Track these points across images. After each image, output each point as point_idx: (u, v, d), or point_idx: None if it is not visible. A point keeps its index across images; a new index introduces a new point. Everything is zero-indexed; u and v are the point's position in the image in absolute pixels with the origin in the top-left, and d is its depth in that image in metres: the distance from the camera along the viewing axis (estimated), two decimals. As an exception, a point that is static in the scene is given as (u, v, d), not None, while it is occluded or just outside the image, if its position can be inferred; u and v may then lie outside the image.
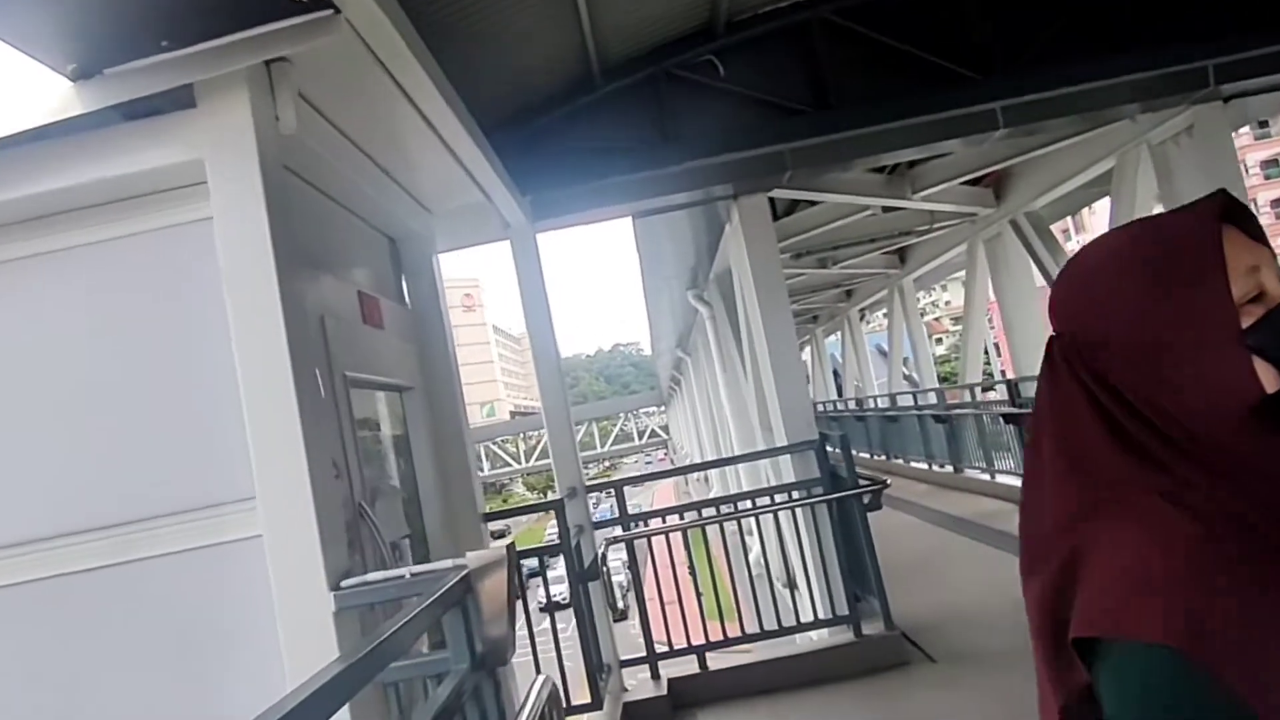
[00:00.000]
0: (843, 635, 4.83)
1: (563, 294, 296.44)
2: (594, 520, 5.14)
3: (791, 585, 5.28)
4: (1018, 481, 9.20)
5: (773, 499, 4.91)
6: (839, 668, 4.66)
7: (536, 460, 61.07)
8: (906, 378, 15.72)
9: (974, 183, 8.54)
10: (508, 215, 4.89)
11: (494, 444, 60.81)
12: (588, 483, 5.20)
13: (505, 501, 79.96)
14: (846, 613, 4.79)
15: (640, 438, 59.73)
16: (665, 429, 56.58)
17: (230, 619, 2.40)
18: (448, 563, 2.32)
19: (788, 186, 5.83)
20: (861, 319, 18.02)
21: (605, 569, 4.33)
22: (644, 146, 5.07)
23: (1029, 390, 8.60)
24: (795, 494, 4.96)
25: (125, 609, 2.42)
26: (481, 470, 52.48)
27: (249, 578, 2.36)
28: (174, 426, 2.48)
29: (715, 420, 12.92)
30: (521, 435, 63.06)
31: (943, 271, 14.07)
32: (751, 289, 5.49)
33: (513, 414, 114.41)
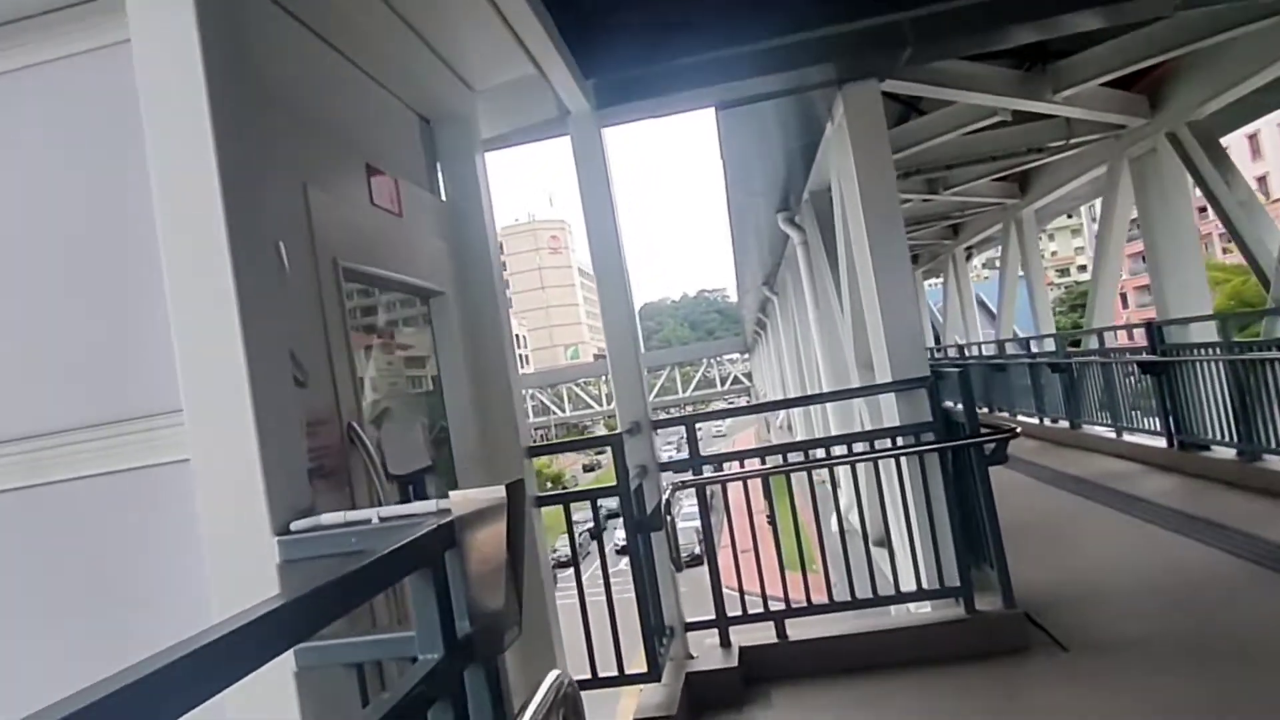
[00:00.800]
0: (951, 610, 4.05)
1: (648, 237, 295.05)
2: (663, 463, 4.46)
3: (889, 546, 4.49)
4: (1149, 440, 8.10)
5: (872, 445, 4.11)
6: (946, 648, 3.90)
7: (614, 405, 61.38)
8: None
9: (1126, 85, 7.21)
10: (567, 100, 4.14)
11: (576, 386, 61.36)
12: (657, 419, 4.50)
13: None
14: (958, 584, 3.99)
15: (723, 384, 58.90)
16: (748, 375, 55.54)
17: (154, 561, 1.83)
18: (430, 505, 1.67)
19: (904, 76, 4.85)
20: (968, 259, 16.47)
21: (670, 517, 3.64)
22: (727, 19, 4.19)
23: (1176, 337, 7.39)
24: (900, 440, 4.15)
25: (28, 541, 1.87)
26: (563, 411, 53.21)
27: (178, 512, 1.78)
28: (87, 315, 1.89)
29: (803, 362, 12.00)
30: (604, 378, 63.37)
31: (1068, 202, 12.50)
32: (856, 200, 4.60)
33: (596, 356, 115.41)
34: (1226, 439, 6.65)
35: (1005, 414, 11.77)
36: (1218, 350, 6.73)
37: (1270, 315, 6.41)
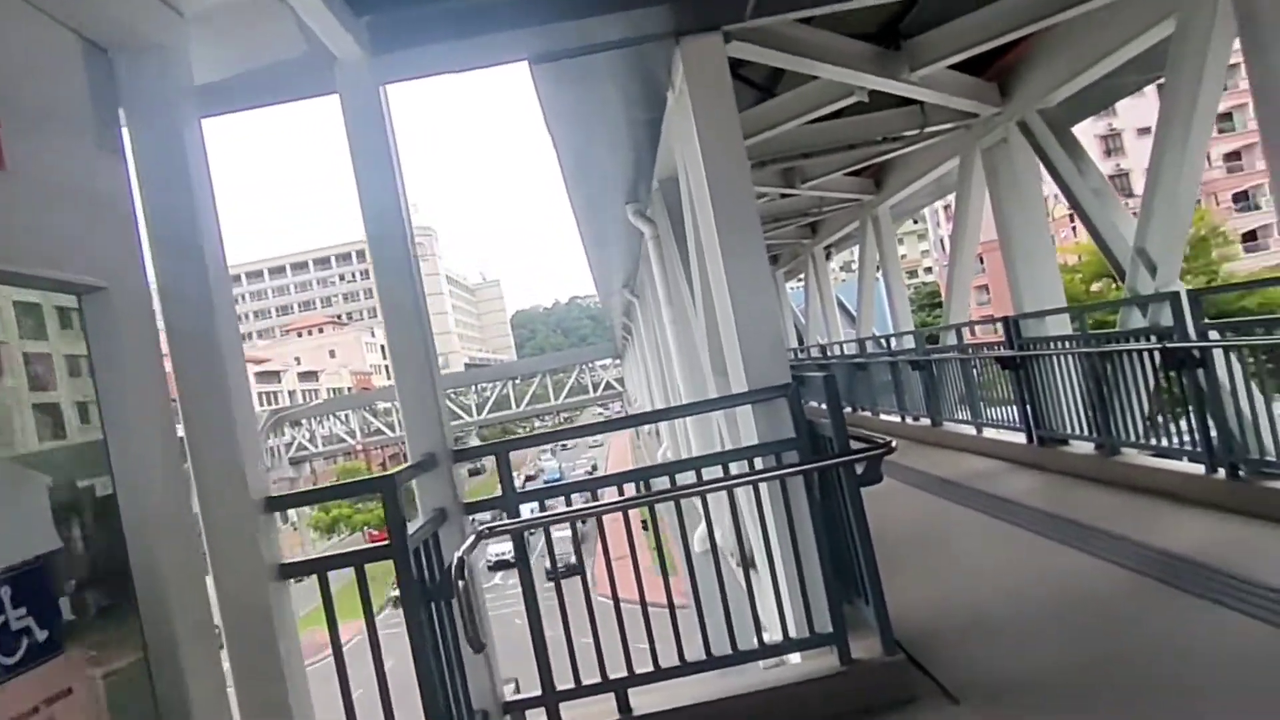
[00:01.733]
0: (826, 660, 3.39)
1: (519, 245, 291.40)
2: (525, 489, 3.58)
3: (749, 591, 3.80)
4: (1010, 436, 7.97)
5: (726, 470, 3.39)
6: (822, 708, 3.24)
7: (489, 414, 59.61)
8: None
9: (978, 72, 6.99)
10: (330, 42, 3.18)
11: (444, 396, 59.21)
12: (461, 448, 3.62)
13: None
14: (830, 629, 3.33)
15: (595, 390, 58.31)
16: (620, 381, 55.18)
17: None
18: None
19: (756, 39, 4.18)
20: (828, 258, 16.47)
21: (464, 583, 2.75)
22: (540, -52, 3.37)
23: (1034, 331, 7.21)
24: (759, 462, 3.46)
25: None
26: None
27: None
28: None
29: (664, 370, 11.39)
30: (474, 387, 61.37)
31: (923, 197, 12.57)
32: (702, 179, 3.90)
33: (468, 366, 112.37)
34: (1085, 433, 6.48)
35: (868, 413, 11.62)
36: (1073, 343, 6.56)
37: (1125, 306, 6.27)
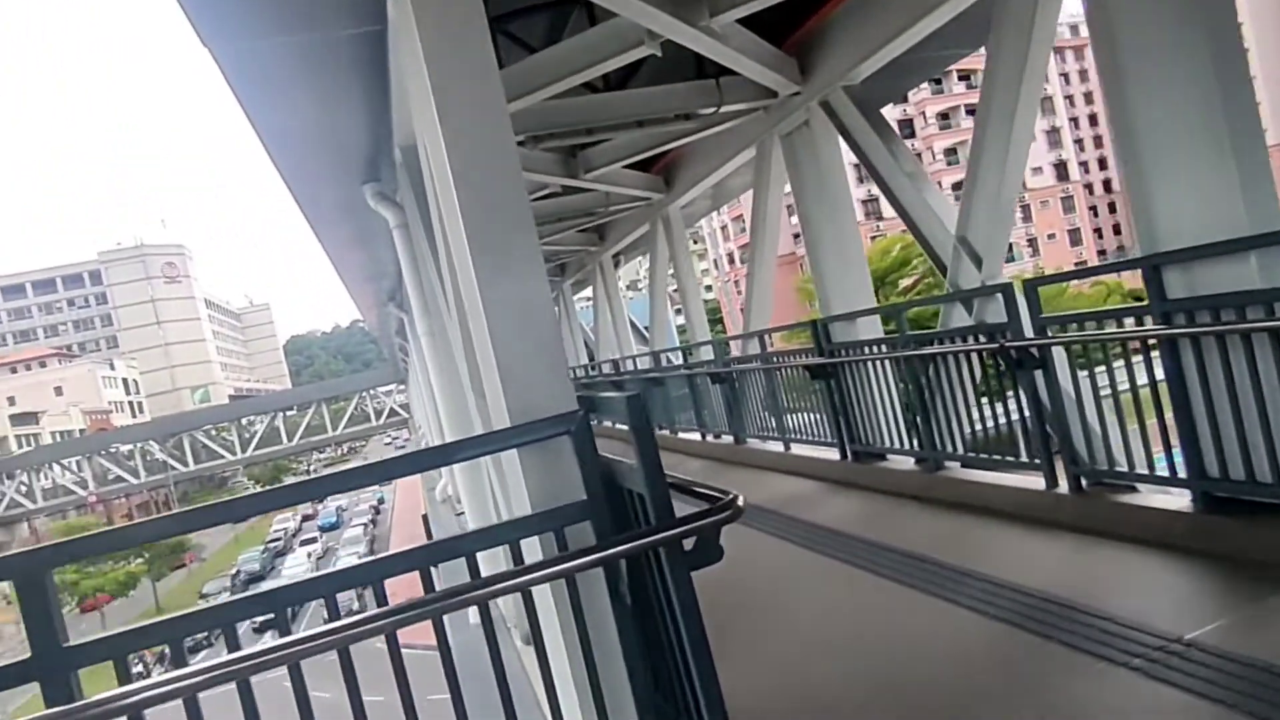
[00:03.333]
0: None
1: (292, 267, 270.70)
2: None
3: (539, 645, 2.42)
4: (822, 453, 7.28)
5: (473, 568, 2.03)
6: None
7: (256, 450, 53.36)
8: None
9: (776, 41, 6.15)
10: None
11: (203, 434, 52.22)
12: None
13: (234, 494, 69.48)
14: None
15: (378, 417, 54.20)
16: (406, 407, 51.69)
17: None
18: None
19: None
20: (616, 266, 15.45)
21: None
22: None
23: (848, 334, 6.49)
24: (531, 545, 2.13)
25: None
26: (187, 465, 44.79)
27: None
28: None
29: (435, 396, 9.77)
30: (236, 422, 54.76)
31: (717, 197, 11.86)
32: (438, 140, 2.53)
33: (232, 397, 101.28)
34: (906, 447, 5.81)
35: (665, 431, 10.68)
36: (889, 347, 5.87)
37: (948, 302, 5.65)
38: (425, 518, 32.22)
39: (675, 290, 12.52)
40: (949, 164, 59.27)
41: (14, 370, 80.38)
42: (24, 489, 49.55)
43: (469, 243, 2.47)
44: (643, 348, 14.89)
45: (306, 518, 60.39)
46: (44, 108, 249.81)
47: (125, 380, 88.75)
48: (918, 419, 5.66)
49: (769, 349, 8.11)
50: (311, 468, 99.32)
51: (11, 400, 68.87)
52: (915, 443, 5.75)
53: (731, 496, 2.08)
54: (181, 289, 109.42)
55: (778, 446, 7.66)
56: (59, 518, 49.48)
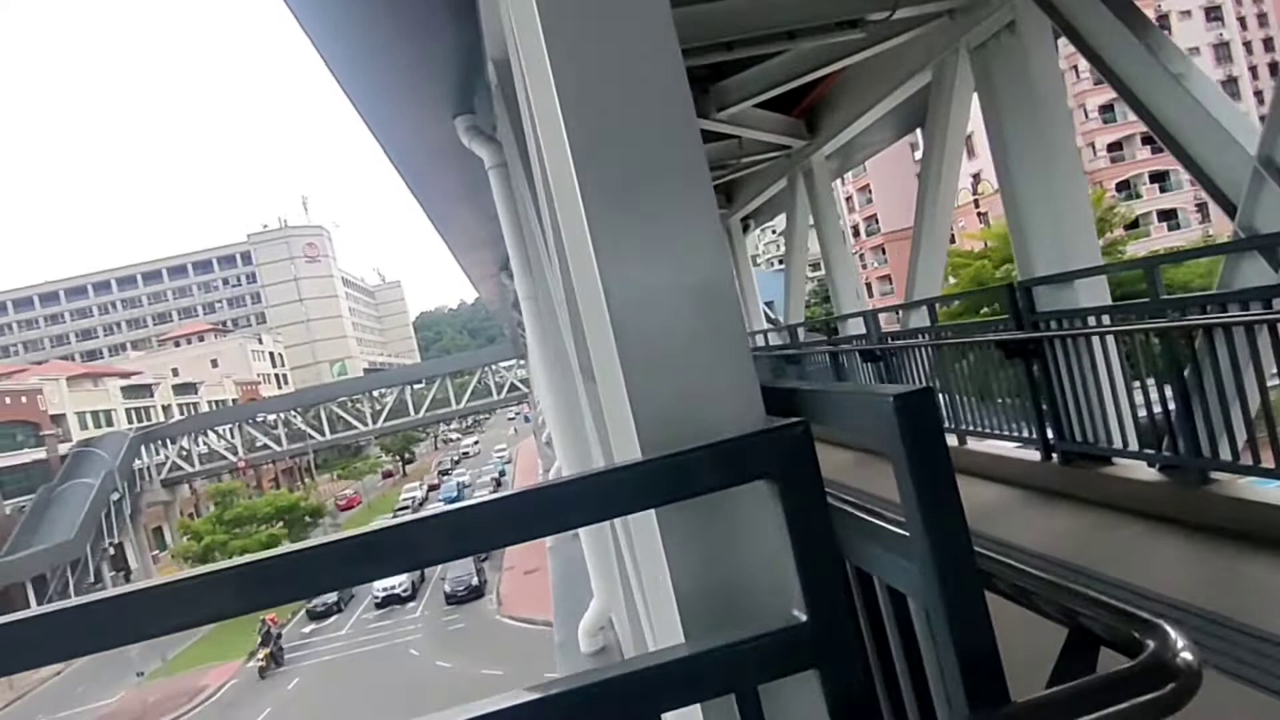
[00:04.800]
0: None
1: (422, 245, 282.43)
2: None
3: None
4: (1016, 452, 5.89)
5: None
6: None
7: (386, 421, 55.42)
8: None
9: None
10: None
11: (337, 405, 54.74)
12: None
13: (367, 462, 74.06)
14: None
15: (499, 392, 55.11)
16: (526, 382, 52.23)
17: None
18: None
19: None
20: (746, 230, 13.93)
21: None
22: None
23: (1059, 300, 5.03)
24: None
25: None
26: (324, 435, 47.11)
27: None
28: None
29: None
30: (369, 395, 57.03)
31: (871, 138, 10.20)
32: (532, 19, 1.38)
33: (366, 371, 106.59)
34: (1147, 449, 4.44)
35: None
36: (1129, 316, 4.42)
37: (1232, 252, 4.14)
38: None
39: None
40: (1104, 122, 53.60)
41: (177, 344, 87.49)
42: (184, 453, 53.51)
43: (578, 178, 1.33)
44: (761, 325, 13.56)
45: (432, 487, 62.56)
46: (195, 100, 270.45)
47: (272, 354, 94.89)
48: (1169, 414, 4.22)
49: (937, 322, 6.67)
50: (439, 438, 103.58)
51: (175, 371, 74.79)
52: (1164, 444, 4.32)
53: (1165, 643, 0.87)
54: (321, 268, 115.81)
55: (950, 440, 6.29)
56: (214, 480, 53.12)
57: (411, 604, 32.75)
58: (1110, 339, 4.45)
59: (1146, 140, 48.77)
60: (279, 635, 27.83)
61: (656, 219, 1.31)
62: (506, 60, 3.60)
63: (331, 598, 32.68)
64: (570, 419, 4.28)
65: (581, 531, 5.29)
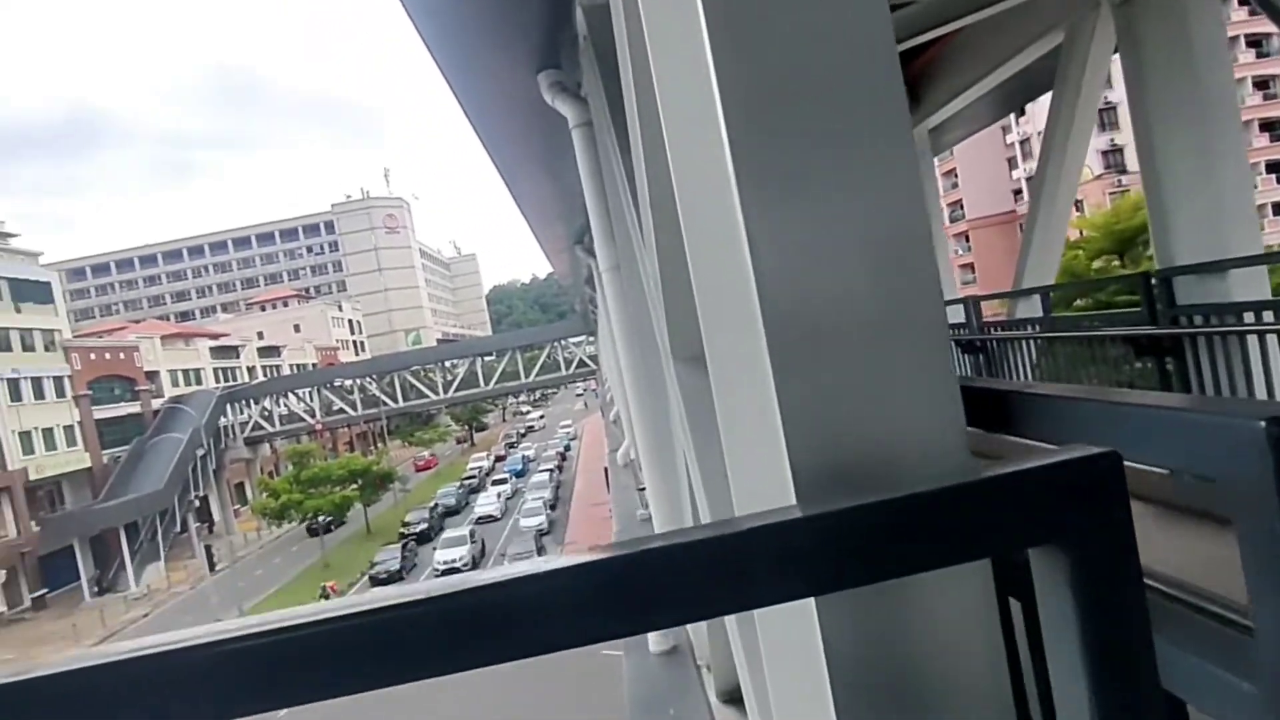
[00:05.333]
0: None
1: (503, 218, 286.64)
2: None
3: None
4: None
5: None
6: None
7: (457, 391, 56.39)
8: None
9: None
10: None
11: (410, 374, 55.91)
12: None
13: (437, 430, 75.75)
14: None
15: (567, 367, 55.40)
16: (594, 359, 52.31)
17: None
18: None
19: None
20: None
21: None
22: None
23: (1208, 292, 4.42)
24: None
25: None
26: (397, 402, 48.37)
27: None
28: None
29: (617, 351, 8.51)
30: (441, 365, 58.10)
31: (938, 143, 8.81)
32: None
33: (440, 342, 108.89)
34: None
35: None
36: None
37: None
38: (607, 471, 32.20)
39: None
40: (1265, 98, 47.77)
41: (263, 308, 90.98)
42: (266, 414, 55.62)
43: (725, 107, 0.96)
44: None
45: (499, 458, 63.59)
46: (287, 69, 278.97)
47: (351, 321, 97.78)
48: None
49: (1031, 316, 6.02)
50: (507, 410, 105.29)
51: (260, 335, 77.78)
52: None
53: None
54: (400, 239, 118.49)
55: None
56: (293, 441, 55.05)
57: (500, 523, 36.41)
58: (1275, 340, 3.85)
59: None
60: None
61: (833, 151, 0.93)
62: (602, 5, 3.23)
63: (395, 565, 33.60)
64: (650, 404, 3.93)
65: (653, 506, 4.96)
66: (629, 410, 8.32)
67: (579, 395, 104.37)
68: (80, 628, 33.73)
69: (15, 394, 40.49)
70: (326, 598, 27.81)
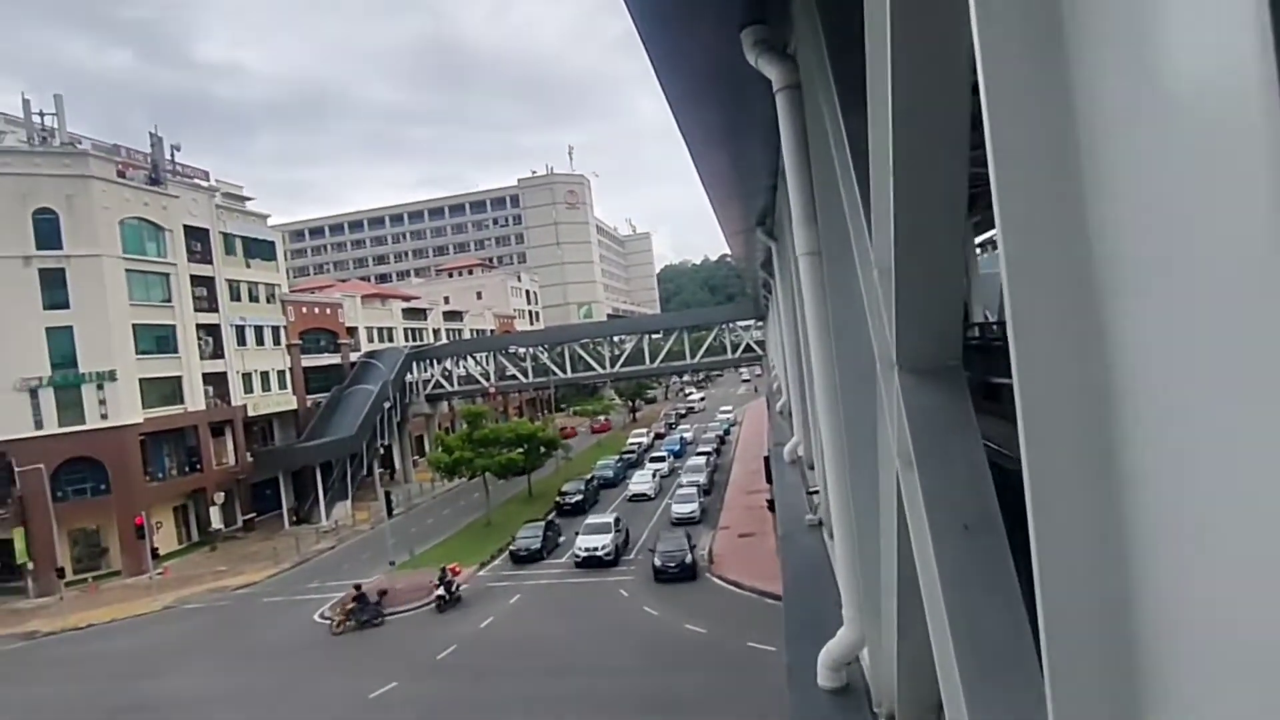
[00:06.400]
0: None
1: (680, 200, 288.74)
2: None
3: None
4: None
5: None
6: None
7: (622, 367, 57.36)
8: None
9: None
10: None
11: (579, 346, 57.48)
12: None
13: (600, 403, 77.59)
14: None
15: (734, 351, 54.70)
16: (762, 344, 51.30)
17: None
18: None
19: None
20: None
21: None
22: None
23: None
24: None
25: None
26: (565, 373, 49.84)
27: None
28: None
29: (799, 337, 7.89)
30: (609, 339, 59.31)
31: None
32: None
33: (610, 317, 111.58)
34: None
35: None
36: None
37: None
38: (767, 461, 31.11)
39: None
40: None
41: (450, 275, 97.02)
42: (446, 374, 59.29)
43: None
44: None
45: (658, 435, 64.17)
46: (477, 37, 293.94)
47: (528, 291, 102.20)
48: None
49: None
50: (669, 389, 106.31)
51: (446, 299, 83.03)
52: None
53: None
54: (578, 215, 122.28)
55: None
56: (468, 402, 58.36)
57: (612, 569, 30.90)
58: None
59: None
60: (456, 586, 28.05)
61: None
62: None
63: (536, 544, 32.46)
64: (848, 412, 3.40)
65: (835, 519, 4.41)
66: (808, 409, 7.71)
67: (745, 381, 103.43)
68: (279, 550, 37.60)
69: (241, 339, 45.68)
70: (445, 578, 27.62)
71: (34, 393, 35.68)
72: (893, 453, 2.40)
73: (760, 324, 51.85)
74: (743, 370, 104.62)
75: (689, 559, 28.37)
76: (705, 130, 5.43)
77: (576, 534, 32.72)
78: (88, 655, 26.36)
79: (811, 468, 9.30)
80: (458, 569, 28.88)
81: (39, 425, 35.65)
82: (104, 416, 36.81)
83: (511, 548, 33.13)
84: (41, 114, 40.55)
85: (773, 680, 17.74)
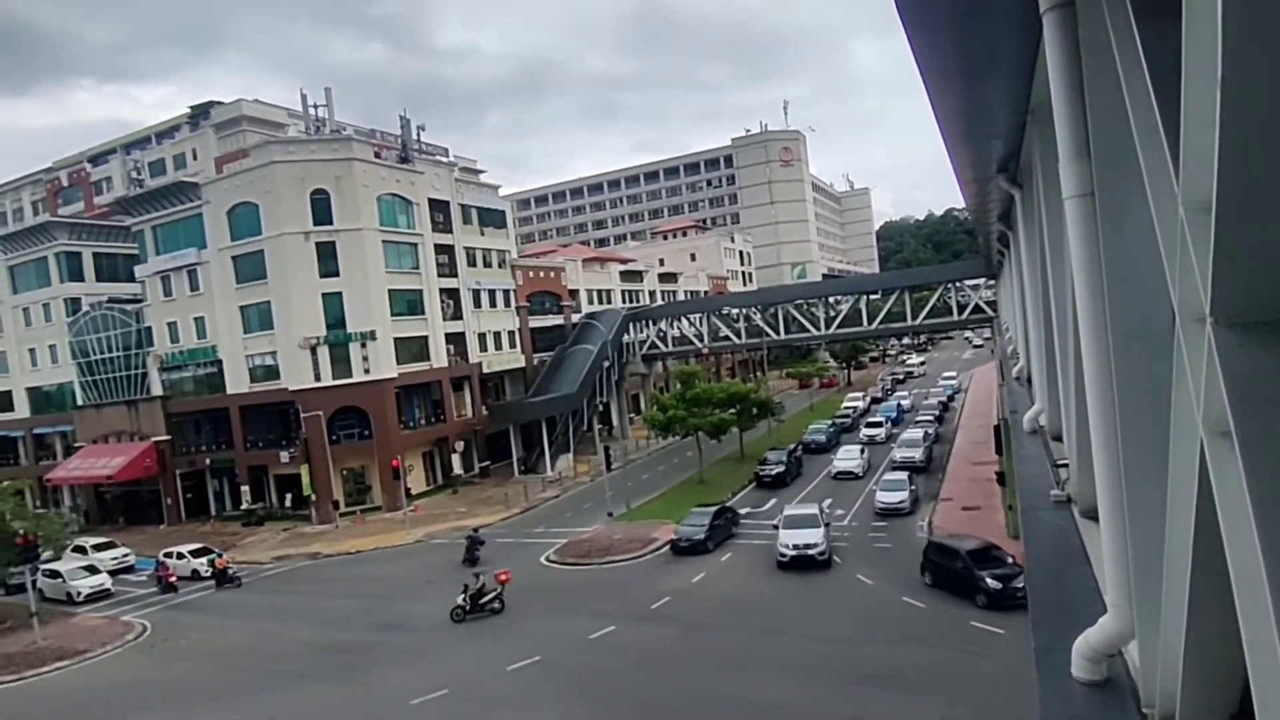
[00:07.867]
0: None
1: (902, 153, 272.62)
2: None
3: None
4: None
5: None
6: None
7: (838, 329, 55.54)
8: None
9: None
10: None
11: (793, 307, 56.41)
12: None
13: (814, 365, 75.93)
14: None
15: (960, 312, 50.89)
16: (993, 304, 47.31)
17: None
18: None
19: None
20: None
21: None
22: None
23: None
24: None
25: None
26: (778, 335, 49.08)
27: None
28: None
29: (1052, 294, 7.02)
30: (824, 300, 57.57)
31: None
32: None
33: (825, 276, 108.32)
34: None
35: None
36: None
37: None
38: (998, 430, 28.75)
39: None
40: None
41: (665, 238, 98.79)
42: (661, 335, 60.84)
43: None
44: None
45: (875, 400, 61.59)
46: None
47: (741, 252, 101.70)
48: None
49: None
50: (887, 352, 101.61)
51: (661, 261, 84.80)
52: None
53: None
54: (793, 172, 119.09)
55: None
56: (681, 362, 59.53)
57: (861, 482, 36.39)
58: None
59: None
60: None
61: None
62: None
63: (700, 534, 28.47)
64: (1127, 371, 2.95)
65: (1103, 507, 3.92)
66: (1059, 373, 6.95)
67: (976, 347, 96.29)
68: (509, 496, 40.99)
69: (477, 302, 49.87)
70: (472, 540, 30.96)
71: (313, 350, 41.61)
72: (1196, 421, 2.03)
73: (991, 283, 47.77)
74: (969, 334, 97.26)
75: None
76: (951, 64, 4.90)
77: (776, 526, 27.64)
78: (359, 576, 30.65)
79: (1058, 438, 8.41)
80: (507, 577, 25.92)
81: (318, 378, 41.65)
82: (367, 371, 42.08)
83: (671, 537, 29.52)
84: (316, 106, 46.63)
85: (1001, 665, 16.68)
